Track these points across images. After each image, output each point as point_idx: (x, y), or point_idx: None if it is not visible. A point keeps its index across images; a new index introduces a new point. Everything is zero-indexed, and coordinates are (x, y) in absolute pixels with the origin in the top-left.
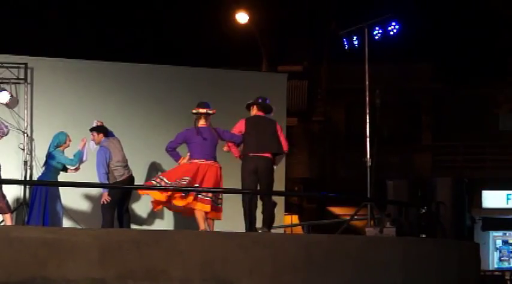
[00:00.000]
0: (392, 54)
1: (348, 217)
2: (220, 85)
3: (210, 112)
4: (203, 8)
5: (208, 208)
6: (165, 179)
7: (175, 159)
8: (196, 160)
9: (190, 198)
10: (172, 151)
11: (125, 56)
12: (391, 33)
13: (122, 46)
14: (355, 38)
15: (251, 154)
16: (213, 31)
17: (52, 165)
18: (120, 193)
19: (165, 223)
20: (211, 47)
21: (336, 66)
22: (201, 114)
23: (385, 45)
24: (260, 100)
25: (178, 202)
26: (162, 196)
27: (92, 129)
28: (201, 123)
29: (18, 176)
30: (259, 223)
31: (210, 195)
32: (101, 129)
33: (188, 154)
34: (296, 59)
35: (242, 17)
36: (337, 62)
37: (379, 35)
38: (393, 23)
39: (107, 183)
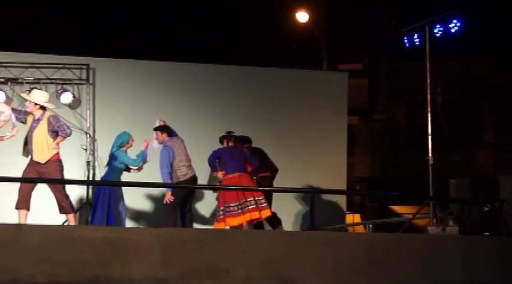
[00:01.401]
0: (453, 52)
1: (410, 216)
2: (280, 84)
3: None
4: (263, 8)
5: (269, 211)
6: (230, 204)
7: (213, 170)
8: (230, 175)
9: (256, 213)
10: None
11: (185, 56)
12: (452, 30)
13: (181, 46)
14: (416, 35)
15: None
16: (273, 30)
17: (115, 165)
18: (183, 193)
19: None
20: (272, 46)
21: (397, 64)
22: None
23: (446, 42)
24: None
25: (251, 217)
26: (236, 221)
27: (156, 129)
28: (230, 144)
29: (81, 176)
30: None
31: (261, 199)
32: (164, 129)
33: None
34: (357, 57)
35: (302, 16)
36: (398, 60)
37: (440, 32)
38: (454, 21)
39: (170, 182)
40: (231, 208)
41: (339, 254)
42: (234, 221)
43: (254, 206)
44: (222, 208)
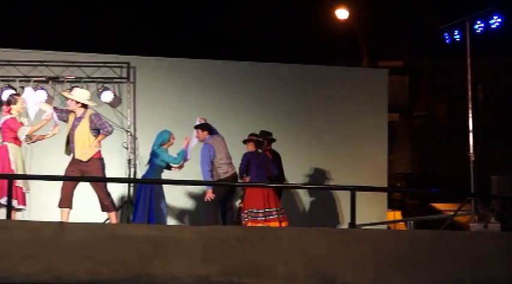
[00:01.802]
0: (494, 48)
1: (451, 213)
2: (320, 81)
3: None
4: (303, 4)
5: (287, 222)
6: (254, 210)
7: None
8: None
9: (277, 223)
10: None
11: (225, 54)
12: (493, 26)
13: (221, 44)
14: (456, 32)
15: None
16: (312, 28)
17: (156, 163)
18: (224, 191)
19: None
20: (311, 44)
21: (437, 60)
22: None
23: (487, 38)
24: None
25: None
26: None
27: (197, 127)
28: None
29: (122, 174)
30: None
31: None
32: (205, 127)
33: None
34: (397, 54)
35: (342, 13)
36: (439, 56)
37: (480, 28)
38: (495, 16)
39: (211, 180)
40: (256, 214)
41: (380, 252)
42: None
43: (276, 216)
44: (246, 211)
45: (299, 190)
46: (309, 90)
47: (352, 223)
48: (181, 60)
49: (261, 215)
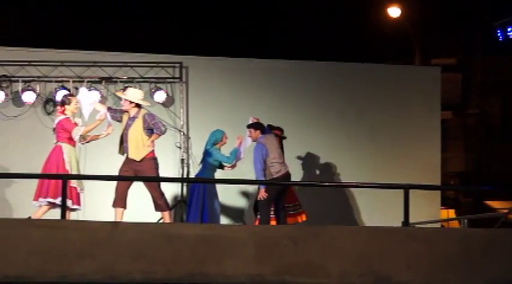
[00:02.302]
0: None
1: (505, 211)
2: (372, 80)
3: None
4: (355, 3)
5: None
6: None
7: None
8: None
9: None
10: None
11: (277, 53)
12: None
13: (273, 43)
14: (509, 28)
15: None
16: (364, 26)
17: (209, 162)
18: (276, 190)
19: (321, 218)
20: (363, 42)
21: (490, 57)
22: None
23: None
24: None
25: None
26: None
27: (249, 126)
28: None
29: (176, 174)
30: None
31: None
32: (257, 126)
33: None
34: (449, 52)
35: (394, 11)
36: (491, 54)
37: None
38: None
39: (264, 179)
40: (289, 208)
41: (434, 250)
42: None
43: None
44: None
45: (351, 189)
46: (360, 89)
47: (406, 222)
48: (234, 59)
49: (292, 209)
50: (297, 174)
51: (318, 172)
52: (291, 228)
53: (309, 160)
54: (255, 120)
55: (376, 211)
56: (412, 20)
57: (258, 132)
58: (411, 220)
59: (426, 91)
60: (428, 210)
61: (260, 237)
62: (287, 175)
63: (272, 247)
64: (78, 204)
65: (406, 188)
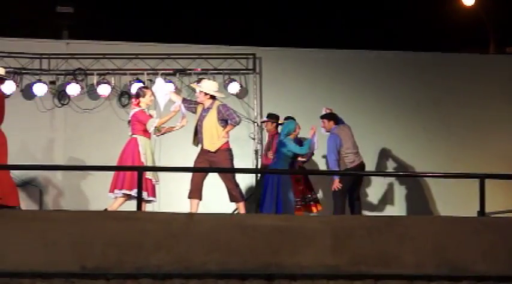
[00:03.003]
0: None
1: None
2: (447, 70)
3: None
4: None
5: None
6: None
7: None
8: None
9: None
10: None
11: (350, 43)
12: None
13: (345, 33)
14: None
15: None
16: (438, 15)
17: (283, 153)
18: (351, 180)
19: (396, 209)
20: (437, 31)
21: None
22: None
23: None
24: None
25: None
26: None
27: (323, 116)
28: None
29: (250, 165)
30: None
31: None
32: (331, 116)
33: None
34: None
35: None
36: None
37: None
38: None
39: (338, 169)
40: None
41: (510, 240)
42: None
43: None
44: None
45: (426, 179)
46: (436, 79)
47: (481, 211)
48: (307, 50)
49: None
50: (371, 164)
51: (392, 162)
52: (365, 218)
53: (383, 151)
54: (329, 111)
55: (451, 201)
56: (486, 8)
57: (331, 122)
58: (487, 210)
59: (502, 79)
60: (505, 200)
61: (335, 228)
62: (361, 165)
63: (347, 237)
64: (154, 195)
65: (482, 177)
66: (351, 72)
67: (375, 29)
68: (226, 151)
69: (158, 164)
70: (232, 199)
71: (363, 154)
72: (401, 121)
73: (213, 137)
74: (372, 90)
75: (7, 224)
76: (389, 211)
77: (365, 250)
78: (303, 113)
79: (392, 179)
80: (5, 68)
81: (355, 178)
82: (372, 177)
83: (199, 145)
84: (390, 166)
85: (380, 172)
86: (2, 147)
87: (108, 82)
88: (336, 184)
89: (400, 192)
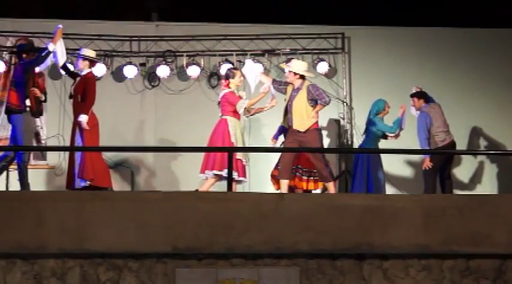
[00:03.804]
0: None
1: None
2: None
3: None
4: None
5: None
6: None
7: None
8: None
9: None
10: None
11: (441, 20)
12: None
13: (433, 10)
14: None
15: None
16: None
17: (372, 132)
18: (442, 159)
19: (488, 187)
20: None
21: None
22: None
23: None
24: None
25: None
26: None
27: (412, 95)
28: None
29: (339, 144)
30: None
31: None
32: (421, 95)
33: None
34: None
35: None
36: None
37: None
38: None
39: (428, 148)
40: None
41: None
42: None
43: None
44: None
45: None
46: None
47: None
48: (396, 28)
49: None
50: (462, 143)
51: (483, 140)
52: (456, 197)
53: (474, 129)
54: (418, 89)
55: None
56: None
57: (421, 101)
58: None
59: None
60: None
61: (427, 207)
62: (452, 144)
63: (439, 216)
64: (244, 176)
65: None
66: (441, 50)
67: (464, 6)
68: (316, 131)
69: (248, 144)
70: (322, 179)
71: (454, 133)
72: (493, 98)
73: (303, 117)
74: (462, 67)
75: (99, 205)
76: (481, 189)
77: (456, 229)
78: (393, 92)
79: (483, 157)
80: (95, 50)
81: (446, 157)
82: (463, 155)
83: (289, 126)
84: (481, 144)
85: (471, 150)
86: (93, 128)
87: (198, 64)
88: (427, 163)
89: (491, 171)
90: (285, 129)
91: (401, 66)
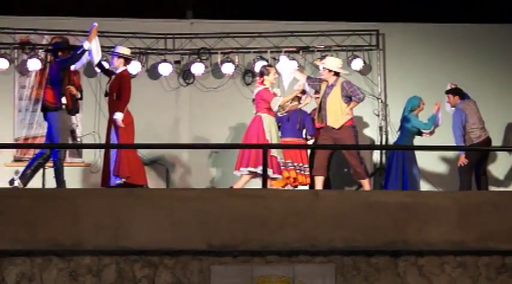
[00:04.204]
0: None
1: None
2: None
3: None
4: None
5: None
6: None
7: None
8: None
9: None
10: None
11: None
12: None
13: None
14: None
15: None
16: None
17: (407, 129)
18: (477, 156)
19: None
20: None
21: None
22: None
23: None
24: None
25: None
26: None
27: (448, 92)
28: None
29: (374, 141)
30: None
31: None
32: (456, 92)
33: None
34: None
35: None
36: None
37: None
38: None
39: (464, 145)
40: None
41: None
42: None
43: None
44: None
45: None
46: None
47: None
48: (431, 25)
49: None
50: (497, 139)
51: None
52: (492, 194)
53: (510, 125)
54: (453, 86)
55: None
56: None
57: (456, 97)
58: None
59: None
60: None
61: (462, 203)
62: (487, 140)
63: (474, 213)
64: (279, 173)
65: None
66: (476, 46)
67: (500, 2)
68: (350, 127)
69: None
70: (357, 176)
71: (489, 129)
72: None
73: (337, 114)
74: (497, 63)
75: (135, 202)
76: None
77: (492, 226)
78: (428, 89)
79: None
80: (130, 48)
81: (481, 154)
82: (498, 152)
83: (323, 122)
84: None
85: (506, 146)
86: (129, 126)
87: (232, 61)
88: (462, 159)
89: None
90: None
91: (436, 62)
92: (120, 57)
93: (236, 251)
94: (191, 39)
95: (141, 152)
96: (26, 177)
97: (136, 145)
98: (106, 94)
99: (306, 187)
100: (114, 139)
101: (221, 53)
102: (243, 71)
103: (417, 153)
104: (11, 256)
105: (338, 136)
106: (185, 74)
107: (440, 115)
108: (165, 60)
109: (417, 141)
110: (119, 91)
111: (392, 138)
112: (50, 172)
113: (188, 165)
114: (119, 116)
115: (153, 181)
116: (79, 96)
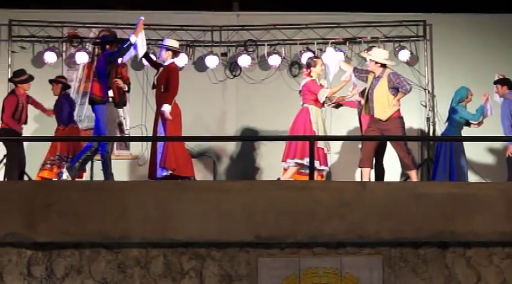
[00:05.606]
0: None
1: None
2: None
3: None
4: None
5: None
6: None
7: None
8: None
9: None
10: None
11: None
12: None
13: None
14: None
15: None
16: None
17: (455, 120)
18: None
19: None
20: None
21: None
22: None
23: None
24: None
25: None
26: None
27: (496, 82)
28: None
29: (422, 132)
30: None
31: None
32: (504, 82)
33: None
34: None
35: None
36: None
37: None
38: None
39: None
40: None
41: None
42: None
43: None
44: None
45: None
46: None
47: None
48: (479, 15)
49: None
50: None
51: None
52: None
53: None
54: (502, 76)
55: None
56: None
57: (505, 87)
58: None
59: None
60: None
61: (510, 194)
62: None
63: None
64: (326, 164)
65: None
66: None
67: None
68: (398, 119)
69: (329, 133)
70: (404, 167)
71: None
72: None
73: (384, 105)
74: None
75: (182, 194)
76: None
77: None
78: (476, 80)
79: None
80: (178, 41)
81: None
82: None
83: (370, 114)
84: None
85: None
86: (176, 118)
87: (279, 53)
88: (510, 150)
89: None
90: None
91: (484, 53)
92: (168, 49)
93: (283, 243)
94: (238, 31)
95: (189, 144)
96: (74, 170)
97: (183, 138)
98: (153, 87)
99: None
100: (161, 132)
101: (268, 45)
102: (290, 63)
103: (465, 143)
104: (60, 249)
105: (385, 128)
106: (232, 66)
107: (489, 106)
108: (211, 53)
109: (465, 131)
110: (166, 84)
111: (440, 129)
112: (98, 165)
113: (235, 157)
114: (166, 108)
115: (201, 174)
116: (126, 88)
